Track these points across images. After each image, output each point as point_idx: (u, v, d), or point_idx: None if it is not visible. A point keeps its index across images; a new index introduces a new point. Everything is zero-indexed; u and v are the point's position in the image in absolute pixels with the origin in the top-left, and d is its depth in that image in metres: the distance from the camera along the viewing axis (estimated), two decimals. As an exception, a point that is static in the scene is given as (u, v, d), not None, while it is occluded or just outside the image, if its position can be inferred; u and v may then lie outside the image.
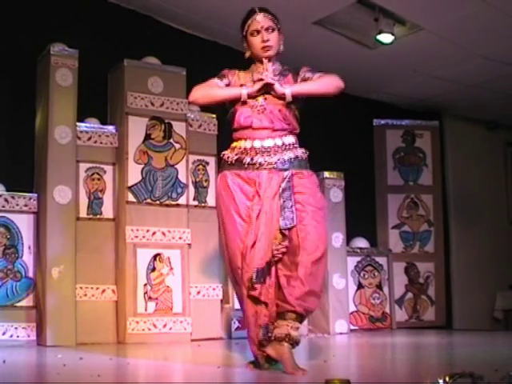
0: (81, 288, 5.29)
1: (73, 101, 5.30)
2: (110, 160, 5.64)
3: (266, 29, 3.46)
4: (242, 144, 3.41)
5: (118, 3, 6.12)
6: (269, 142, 3.39)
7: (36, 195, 5.27)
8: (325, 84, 3.61)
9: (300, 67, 3.62)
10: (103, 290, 5.43)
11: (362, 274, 7.05)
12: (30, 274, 5.17)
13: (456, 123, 8.37)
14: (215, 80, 3.50)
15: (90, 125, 5.61)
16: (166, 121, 5.73)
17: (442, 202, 7.92)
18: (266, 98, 3.43)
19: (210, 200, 5.89)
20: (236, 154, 3.40)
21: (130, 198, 5.52)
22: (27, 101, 5.46)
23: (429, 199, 7.80)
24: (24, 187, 5.28)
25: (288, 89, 3.42)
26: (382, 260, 7.23)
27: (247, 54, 3.53)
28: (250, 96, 3.40)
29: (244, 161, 3.36)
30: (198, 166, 5.93)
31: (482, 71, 6.96)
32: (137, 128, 5.63)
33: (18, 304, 5.09)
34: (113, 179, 5.64)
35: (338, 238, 6.60)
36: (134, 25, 6.14)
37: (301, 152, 3.50)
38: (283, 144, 3.41)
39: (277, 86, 3.40)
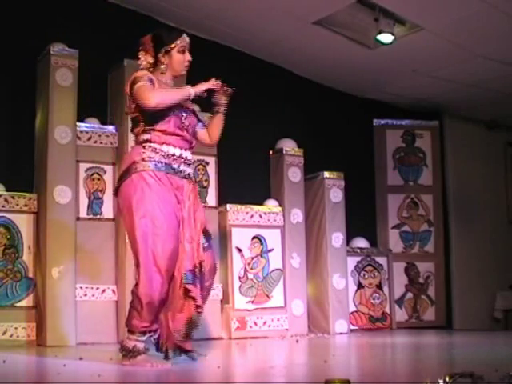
0: (81, 288, 5.30)
1: (73, 101, 5.31)
2: (110, 160, 5.64)
3: (189, 49, 3.82)
4: (171, 150, 3.58)
5: (118, 3, 6.12)
6: (188, 154, 3.69)
7: (36, 195, 5.27)
8: None
9: None
10: (103, 290, 5.43)
11: (362, 274, 7.05)
12: (30, 274, 5.18)
13: (456, 123, 8.36)
14: (149, 84, 3.60)
15: (90, 125, 5.61)
16: (166, 121, 5.72)
17: (442, 201, 7.92)
18: (186, 113, 3.70)
19: (210, 200, 5.90)
20: (164, 158, 3.55)
21: (130, 198, 5.52)
22: (27, 101, 5.46)
23: (429, 199, 7.80)
24: (24, 187, 5.29)
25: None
26: (382, 260, 7.23)
27: (163, 67, 3.75)
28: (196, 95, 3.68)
29: (173, 166, 3.57)
30: (198, 166, 5.93)
31: (482, 71, 6.96)
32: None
33: (18, 304, 5.09)
34: (113, 179, 5.63)
35: (337, 238, 6.61)
36: (133, 25, 6.13)
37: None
38: (191, 158, 3.74)
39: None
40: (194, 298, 3.53)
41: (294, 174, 6.51)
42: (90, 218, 5.51)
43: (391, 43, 6.23)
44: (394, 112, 7.98)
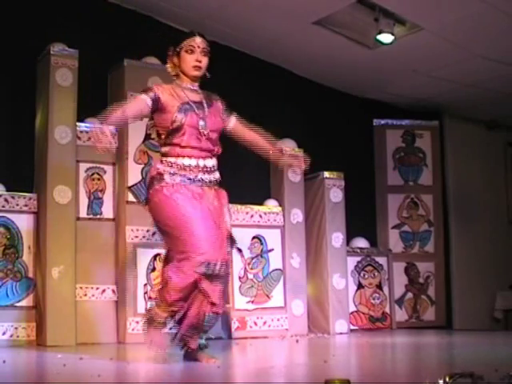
0: (81, 288, 5.30)
1: (73, 101, 5.31)
2: (110, 160, 5.64)
3: (202, 51, 3.76)
4: (186, 161, 3.65)
5: (118, 3, 6.12)
6: (208, 162, 3.74)
7: (36, 195, 5.27)
8: None
9: (223, 102, 3.94)
10: (103, 290, 5.43)
11: (362, 274, 7.05)
12: (30, 274, 5.18)
13: (456, 123, 8.36)
14: (142, 96, 3.69)
15: (90, 125, 5.61)
16: (166, 121, 5.72)
17: (442, 202, 7.91)
18: (205, 122, 3.71)
19: (210, 200, 5.89)
20: (179, 170, 3.63)
21: (130, 198, 5.53)
22: (27, 101, 5.46)
23: (429, 199, 7.80)
24: (24, 187, 5.29)
25: None
26: (381, 260, 7.23)
27: (174, 71, 3.83)
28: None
29: (189, 177, 3.63)
30: (198, 165, 5.93)
31: (482, 71, 6.96)
32: (137, 128, 5.63)
33: (18, 304, 5.09)
34: (113, 179, 5.64)
35: (337, 238, 6.60)
36: (133, 25, 6.14)
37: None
38: (212, 165, 3.80)
39: None
40: (207, 295, 3.52)
41: (294, 174, 6.51)
42: (90, 218, 5.51)
43: (391, 43, 6.23)
44: (394, 112, 7.98)
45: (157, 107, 3.68)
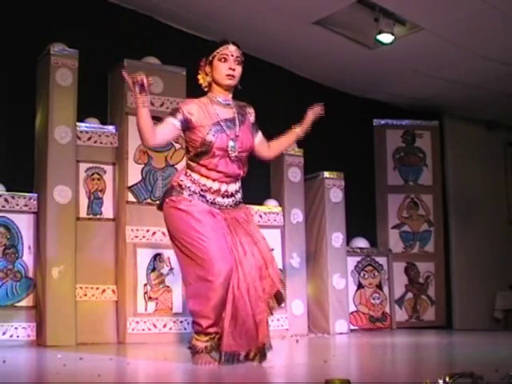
0: (81, 288, 5.30)
1: (73, 101, 5.31)
2: (110, 160, 5.65)
3: (235, 59, 3.60)
4: (209, 184, 3.55)
5: (117, 3, 6.12)
6: (230, 187, 3.63)
7: (36, 195, 5.27)
8: None
9: (253, 114, 3.86)
10: (103, 290, 5.43)
11: (362, 274, 7.05)
12: (30, 274, 5.18)
13: (456, 123, 8.37)
14: (170, 119, 3.55)
15: (90, 125, 5.61)
16: (166, 121, 5.73)
17: (442, 202, 7.92)
18: (235, 143, 3.58)
19: (210, 200, 5.89)
20: (201, 190, 3.54)
21: (130, 198, 5.53)
22: (27, 101, 5.46)
23: (429, 199, 7.80)
24: (24, 187, 5.29)
25: None
26: (382, 260, 7.23)
27: (207, 80, 3.65)
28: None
29: (207, 198, 3.54)
30: (198, 166, 5.92)
31: (482, 71, 6.96)
32: (136, 128, 5.62)
33: (17, 304, 5.10)
34: (113, 179, 5.64)
35: (337, 238, 6.61)
36: (134, 25, 6.14)
37: None
38: (234, 189, 3.68)
39: None
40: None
41: (294, 174, 6.51)
42: (90, 218, 5.51)
43: (391, 43, 6.24)
44: (394, 112, 7.98)
45: (187, 126, 3.54)
